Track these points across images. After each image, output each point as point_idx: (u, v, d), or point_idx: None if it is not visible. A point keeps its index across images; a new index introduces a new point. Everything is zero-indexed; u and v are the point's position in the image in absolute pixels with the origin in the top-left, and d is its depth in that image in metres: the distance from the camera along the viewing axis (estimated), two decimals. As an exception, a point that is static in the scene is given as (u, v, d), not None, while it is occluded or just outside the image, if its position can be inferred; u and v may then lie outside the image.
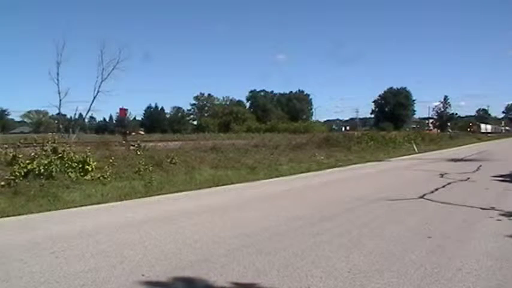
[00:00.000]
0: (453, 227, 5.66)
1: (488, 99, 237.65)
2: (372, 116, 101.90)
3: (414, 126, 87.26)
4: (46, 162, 8.67)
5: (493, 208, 6.89)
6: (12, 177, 7.91)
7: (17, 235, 5.22)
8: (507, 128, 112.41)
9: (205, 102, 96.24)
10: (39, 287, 3.43)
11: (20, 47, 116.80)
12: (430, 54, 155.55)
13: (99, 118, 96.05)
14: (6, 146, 10.07)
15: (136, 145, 12.65)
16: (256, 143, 18.57)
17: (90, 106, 24.29)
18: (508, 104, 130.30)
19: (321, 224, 5.82)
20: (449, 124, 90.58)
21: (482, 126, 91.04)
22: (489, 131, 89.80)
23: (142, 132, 65.63)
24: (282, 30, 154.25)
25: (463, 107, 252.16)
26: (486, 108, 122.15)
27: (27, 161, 8.51)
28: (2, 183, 7.76)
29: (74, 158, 9.25)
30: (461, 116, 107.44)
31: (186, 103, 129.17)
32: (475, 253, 4.39)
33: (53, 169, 8.64)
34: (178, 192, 8.86)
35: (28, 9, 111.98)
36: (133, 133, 54.31)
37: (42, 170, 8.49)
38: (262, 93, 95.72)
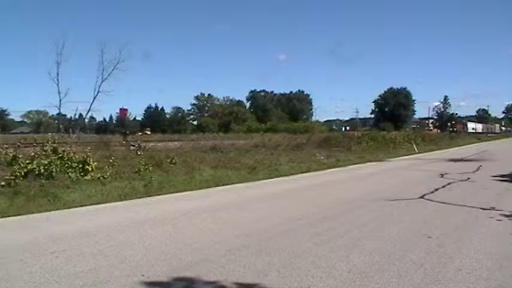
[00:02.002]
0: (453, 227, 5.66)
1: (489, 99, 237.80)
2: (372, 116, 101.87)
3: (414, 126, 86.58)
4: (46, 162, 8.68)
5: (493, 208, 6.89)
6: (13, 177, 7.91)
7: (17, 235, 5.22)
8: (503, 127, 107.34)
9: (205, 102, 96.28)
10: (39, 287, 3.43)
11: (20, 47, 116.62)
12: (430, 54, 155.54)
13: (99, 118, 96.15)
14: (6, 146, 10.08)
15: (136, 145, 12.67)
16: (256, 143, 18.59)
17: (90, 106, 24.34)
18: (508, 104, 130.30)
19: (321, 224, 5.82)
20: (449, 124, 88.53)
21: (470, 125, 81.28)
22: (479, 130, 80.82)
23: (149, 132, 64.43)
24: (282, 30, 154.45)
25: (463, 107, 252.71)
26: (486, 108, 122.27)
27: (27, 161, 8.52)
28: (2, 183, 7.77)
29: (74, 158, 9.26)
30: (462, 116, 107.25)
31: (186, 103, 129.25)
32: (475, 253, 4.39)
33: (53, 169, 8.64)
34: (178, 193, 8.85)
35: (28, 9, 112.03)
36: (140, 133, 53.96)
37: (42, 170, 8.49)
38: (262, 93, 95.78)
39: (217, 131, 52.76)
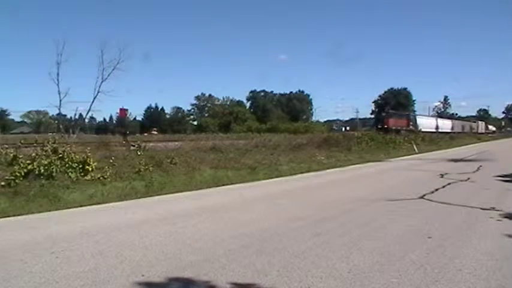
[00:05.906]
0: (453, 227, 5.66)
1: (489, 99, 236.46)
2: (372, 116, 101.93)
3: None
4: (46, 162, 8.67)
5: (493, 208, 6.88)
6: (13, 178, 7.91)
7: (17, 235, 5.22)
8: (491, 127, 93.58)
9: (205, 103, 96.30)
10: (39, 287, 3.44)
11: (20, 47, 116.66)
12: (430, 54, 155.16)
13: (99, 118, 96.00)
14: (6, 146, 10.08)
15: (136, 145, 12.67)
16: (256, 143, 18.54)
17: (90, 106, 24.31)
18: (508, 104, 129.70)
19: (321, 224, 5.82)
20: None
21: (423, 121, 47.66)
22: (447, 130, 51.28)
23: (155, 132, 63.89)
24: (283, 30, 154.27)
25: (464, 107, 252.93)
26: (487, 108, 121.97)
27: (28, 162, 8.51)
28: (3, 183, 7.77)
29: (74, 158, 9.26)
30: (462, 116, 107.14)
31: (186, 103, 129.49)
32: (475, 253, 4.39)
33: (53, 169, 8.64)
34: (178, 193, 8.86)
35: (28, 10, 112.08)
36: (146, 133, 53.89)
37: (43, 171, 8.49)
38: (262, 94, 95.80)
39: (217, 131, 52.66)
